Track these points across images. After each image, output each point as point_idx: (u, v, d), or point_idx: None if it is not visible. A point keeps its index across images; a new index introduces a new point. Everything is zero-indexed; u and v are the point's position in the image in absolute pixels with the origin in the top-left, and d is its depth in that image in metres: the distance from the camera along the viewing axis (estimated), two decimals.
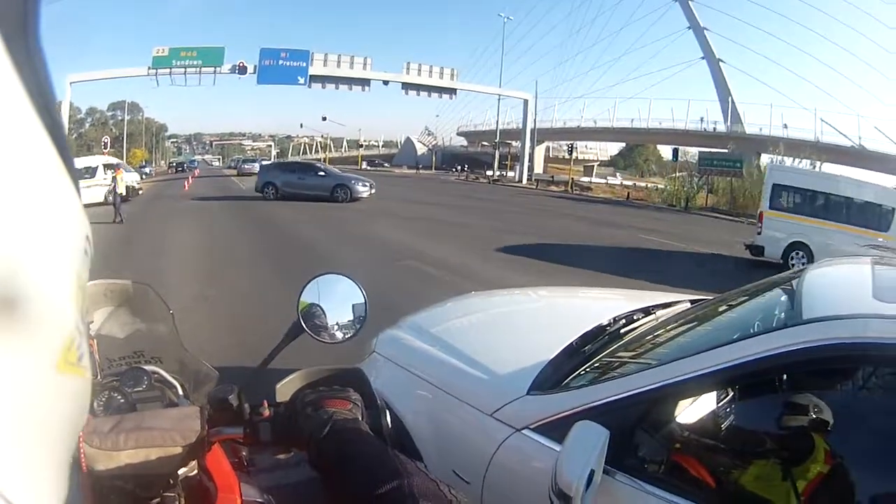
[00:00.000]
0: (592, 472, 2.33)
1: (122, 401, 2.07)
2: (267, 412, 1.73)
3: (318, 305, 1.93)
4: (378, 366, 4.20)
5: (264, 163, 50.46)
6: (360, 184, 37.30)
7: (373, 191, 37.06)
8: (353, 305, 1.98)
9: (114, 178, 31.74)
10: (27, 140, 0.59)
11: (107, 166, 42.54)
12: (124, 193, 31.09)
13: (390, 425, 1.72)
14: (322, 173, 38.45)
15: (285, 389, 1.86)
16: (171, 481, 1.71)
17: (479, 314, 5.16)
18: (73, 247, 0.69)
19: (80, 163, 42.09)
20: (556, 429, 2.82)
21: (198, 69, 62.01)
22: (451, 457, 3.38)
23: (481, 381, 3.46)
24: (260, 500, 2.00)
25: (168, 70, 61.51)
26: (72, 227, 0.69)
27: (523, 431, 3.00)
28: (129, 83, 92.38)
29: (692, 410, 2.89)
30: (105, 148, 60.52)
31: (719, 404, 2.94)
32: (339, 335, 1.95)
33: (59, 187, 0.66)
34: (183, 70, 61.81)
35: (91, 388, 0.80)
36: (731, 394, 2.95)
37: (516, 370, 3.42)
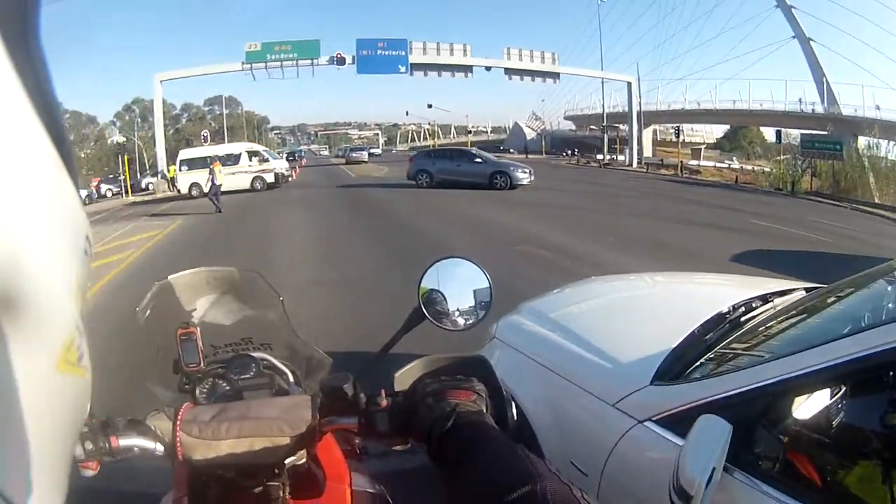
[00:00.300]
0: (713, 469, 2.30)
1: (228, 388, 2.10)
2: (384, 402, 1.65)
3: (439, 291, 1.86)
4: (499, 352, 4.19)
5: (417, 149, 48.85)
6: (520, 170, 35.08)
7: (532, 177, 34.74)
8: (475, 291, 1.89)
9: (211, 171, 32.01)
10: (27, 140, 0.61)
11: (250, 153, 43.62)
12: (222, 185, 31.57)
13: (515, 417, 1.65)
14: (479, 160, 36.60)
15: (404, 378, 1.78)
16: (276, 470, 1.73)
17: (600, 299, 5.13)
18: (73, 247, 0.72)
19: (223, 150, 44.03)
20: (679, 422, 2.79)
21: (294, 62, 62.77)
22: (571, 447, 3.35)
23: (604, 369, 3.42)
24: (371, 489, 2.04)
25: (263, 64, 62.40)
26: (72, 228, 0.72)
27: (645, 423, 2.97)
28: (224, 79, 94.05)
29: (806, 405, 2.75)
30: (205, 141, 62.19)
31: (832, 399, 2.77)
32: (461, 322, 1.87)
33: (59, 187, 0.68)
34: (279, 63, 62.61)
35: (91, 388, 0.84)
36: (843, 388, 2.77)
37: (639, 358, 3.37)
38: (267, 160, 44.78)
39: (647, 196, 32.26)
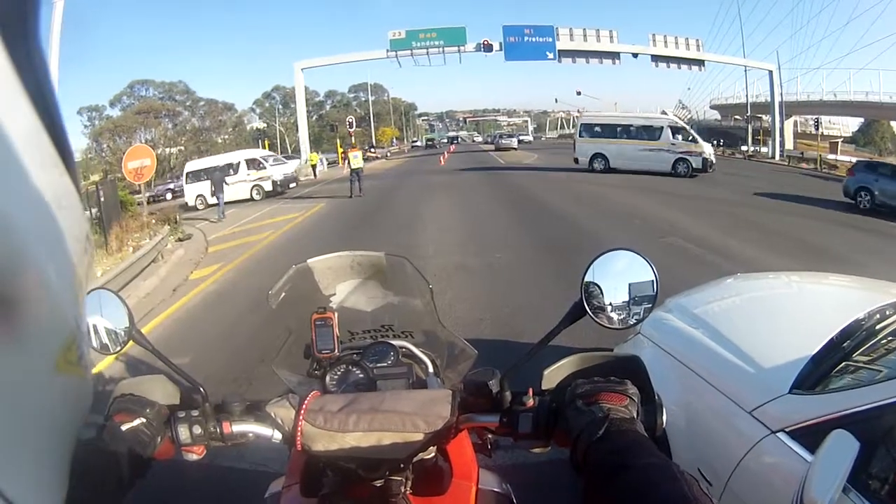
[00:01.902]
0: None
1: (361, 376, 2.11)
2: (531, 402, 1.58)
3: (597, 285, 1.70)
4: (643, 348, 4.15)
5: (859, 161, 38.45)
6: None
7: None
8: (630, 284, 1.73)
9: (346, 156, 32.38)
10: (27, 140, 0.61)
11: (675, 129, 36.95)
12: (361, 168, 30.85)
13: (664, 424, 1.55)
14: None
15: (554, 376, 1.66)
16: (402, 465, 1.70)
17: (743, 298, 5.07)
18: (73, 247, 0.73)
19: (639, 121, 38.21)
20: (810, 434, 2.72)
21: (440, 49, 62.24)
22: (700, 453, 3.31)
23: (744, 373, 3.37)
24: (497, 489, 1.99)
25: (409, 52, 62.23)
26: (72, 227, 0.72)
27: (778, 434, 2.91)
28: (369, 66, 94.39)
29: None
30: (350, 127, 62.79)
31: None
32: (615, 317, 1.71)
33: (59, 187, 0.68)
34: (425, 51, 62.26)
35: (91, 388, 0.85)
36: None
37: (779, 364, 3.30)
38: (696, 141, 37.11)
39: (791, 188, 30.80)
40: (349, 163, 31.02)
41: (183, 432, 1.63)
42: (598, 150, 38.71)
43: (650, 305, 1.73)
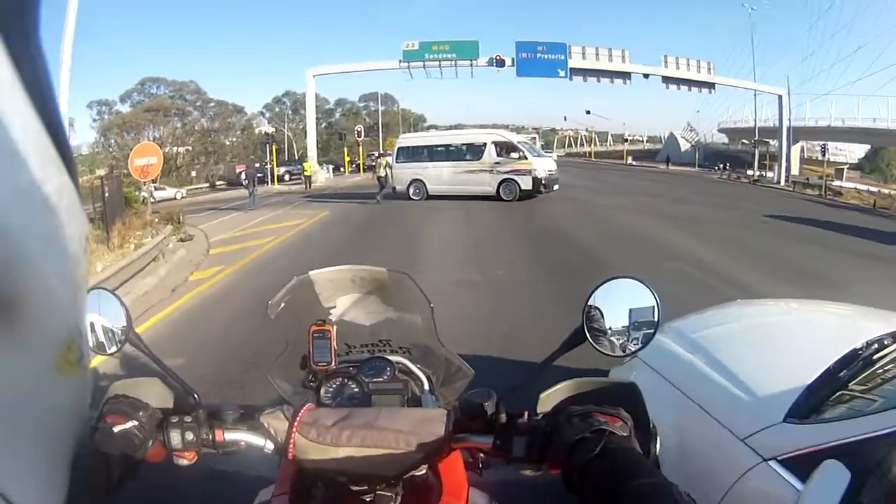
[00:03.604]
0: None
1: (357, 390, 2.11)
2: (525, 425, 1.57)
3: (598, 309, 1.74)
4: (638, 371, 4.11)
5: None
6: None
7: None
8: (631, 310, 1.76)
9: (376, 164, 32.53)
10: (27, 140, 0.61)
11: None
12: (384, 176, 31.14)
13: (657, 454, 1.55)
14: None
15: (549, 400, 1.64)
16: (392, 480, 1.69)
17: (742, 324, 5.03)
18: (73, 247, 0.73)
19: None
20: (802, 464, 2.71)
21: (453, 62, 62.66)
22: (691, 479, 3.24)
23: (739, 400, 3.36)
24: None
25: (421, 63, 62.56)
26: (72, 227, 0.72)
27: (769, 462, 2.89)
28: (380, 76, 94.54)
29: None
30: (359, 136, 64.18)
31: None
32: (617, 343, 1.75)
33: (59, 187, 0.68)
34: (437, 63, 62.59)
35: (90, 388, 0.86)
36: None
37: (774, 392, 3.28)
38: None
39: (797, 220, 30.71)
40: (376, 171, 31.90)
41: (175, 437, 1.62)
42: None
43: (651, 332, 1.77)
